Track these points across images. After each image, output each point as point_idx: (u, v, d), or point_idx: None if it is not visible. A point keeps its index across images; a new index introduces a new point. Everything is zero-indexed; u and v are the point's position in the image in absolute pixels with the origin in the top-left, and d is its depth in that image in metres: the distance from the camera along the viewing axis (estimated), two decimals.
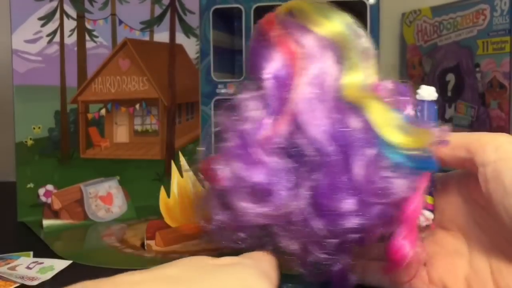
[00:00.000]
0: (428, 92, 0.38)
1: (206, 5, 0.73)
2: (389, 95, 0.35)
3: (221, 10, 0.74)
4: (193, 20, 0.72)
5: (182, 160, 0.54)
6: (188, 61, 0.72)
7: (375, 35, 0.65)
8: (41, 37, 0.65)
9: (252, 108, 0.34)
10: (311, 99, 0.32)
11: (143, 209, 0.64)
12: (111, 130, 0.69)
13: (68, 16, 0.66)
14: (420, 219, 0.33)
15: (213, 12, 0.73)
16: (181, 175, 0.54)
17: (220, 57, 0.76)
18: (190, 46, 0.72)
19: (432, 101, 0.38)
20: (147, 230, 0.52)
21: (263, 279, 0.27)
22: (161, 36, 0.70)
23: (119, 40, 0.68)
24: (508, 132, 0.72)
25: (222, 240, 0.36)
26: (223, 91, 0.73)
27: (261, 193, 0.31)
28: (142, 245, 0.52)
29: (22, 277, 0.44)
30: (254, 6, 0.71)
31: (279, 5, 0.69)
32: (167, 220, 0.52)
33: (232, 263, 0.28)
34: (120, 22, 0.69)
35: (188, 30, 0.72)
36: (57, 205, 0.60)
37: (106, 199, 0.63)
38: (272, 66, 0.34)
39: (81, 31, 0.67)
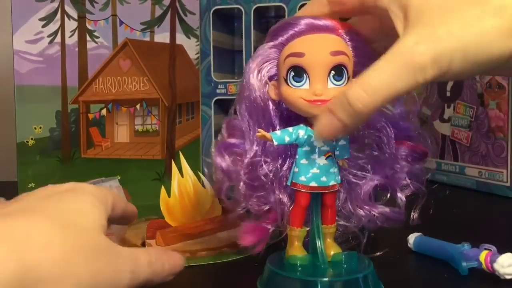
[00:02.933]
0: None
1: (206, 6, 0.74)
2: None
3: (221, 11, 0.74)
4: (193, 21, 0.72)
5: (183, 160, 0.55)
6: (188, 61, 0.73)
7: None
8: (42, 38, 0.65)
9: None
10: None
11: (144, 208, 0.64)
12: (112, 130, 0.70)
13: (69, 16, 0.67)
14: None
15: (213, 13, 0.74)
16: (182, 175, 0.54)
17: (220, 58, 0.76)
18: (190, 46, 0.72)
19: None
20: (148, 229, 0.52)
21: (95, 204, 0.33)
22: (162, 36, 0.71)
23: (120, 40, 0.69)
24: (507, 133, 0.72)
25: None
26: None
27: None
28: (143, 244, 0.53)
29: None
30: (254, 7, 0.71)
31: (279, 6, 0.70)
32: (168, 219, 0.52)
33: (73, 188, 0.34)
34: (121, 22, 0.69)
35: (188, 31, 0.72)
36: None
37: None
38: None
39: (82, 31, 0.67)
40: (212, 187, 0.44)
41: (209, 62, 0.74)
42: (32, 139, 0.65)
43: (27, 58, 0.65)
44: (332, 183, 0.38)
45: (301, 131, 0.37)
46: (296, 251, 0.38)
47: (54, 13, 0.66)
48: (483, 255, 0.41)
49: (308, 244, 0.39)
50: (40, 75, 0.65)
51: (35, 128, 0.65)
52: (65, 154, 0.67)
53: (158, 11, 0.70)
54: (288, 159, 0.40)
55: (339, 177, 0.38)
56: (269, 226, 0.39)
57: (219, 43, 0.76)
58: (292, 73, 0.36)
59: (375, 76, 0.32)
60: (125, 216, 0.39)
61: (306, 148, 0.37)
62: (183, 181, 0.54)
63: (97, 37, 0.68)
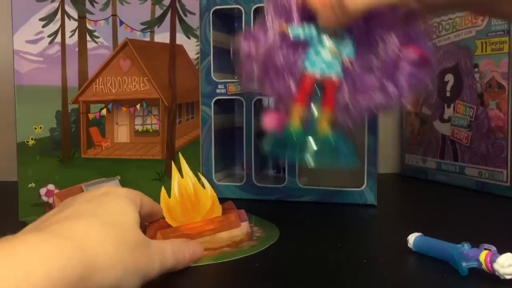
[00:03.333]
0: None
1: (206, 6, 0.74)
2: None
3: (221, 11, 0.74)
4: (193, 21, 0.72)
5: (182, 160, 0.55)
6: (188, 61, 0.73)
7: None
8: (42, 38, 0.65)
9: None
10: None
11: None
12: (112, 130, 0.70)
13: (69, 16, 0.67)
14: None
15: (213, 13, 0.74)
16: (182, 175, 0.54)
17: (220, 58, 0.76)
18: (191, 46, 0.72)
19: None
20: (148, 229, 0.52)
21: (129, 203, 0.40)
22: (162, 36, 0.71)
23: (120, 40, 0.69)
24: (507, 133, 0.72)
25: None
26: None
27: None
28: None
29: None
30: (254, 7, 0.72)
31: None
32: (168, 219, 0.52)
33: (107, 192, 0.41)
34: (121, 22, 0.69)
35: (188, 31, 0.72)
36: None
37: None
38: None
39: (82, 31, 0.67)
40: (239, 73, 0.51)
41: (209, 62, 0.74)
42: (32, 139, 0.65)
43: (27, 58, 0.65)
44: (335, 75, 0.45)
45: (314, 29, 0.45)
46: (295, 123, 0.45)
47: (54, 13, 0.66)
48: (483, 255, 0.41)
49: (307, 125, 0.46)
50: (40, 75, 0.65)
51: (35, 128, 0.65)
52: (65, 154, 0.67)
53: (158, 11, 0.70)
54: (301, 52, 0.46)
55: (343, 73, 0.45)
56: (284, 114, 0.47)
57: (219, 43, 0.76)
58: None
59: None
60: (152, 214, 0.47)
61: (316, 44, 0.45)
62: (183, 181, 0.54)
63: (97, 37, 0.68)
